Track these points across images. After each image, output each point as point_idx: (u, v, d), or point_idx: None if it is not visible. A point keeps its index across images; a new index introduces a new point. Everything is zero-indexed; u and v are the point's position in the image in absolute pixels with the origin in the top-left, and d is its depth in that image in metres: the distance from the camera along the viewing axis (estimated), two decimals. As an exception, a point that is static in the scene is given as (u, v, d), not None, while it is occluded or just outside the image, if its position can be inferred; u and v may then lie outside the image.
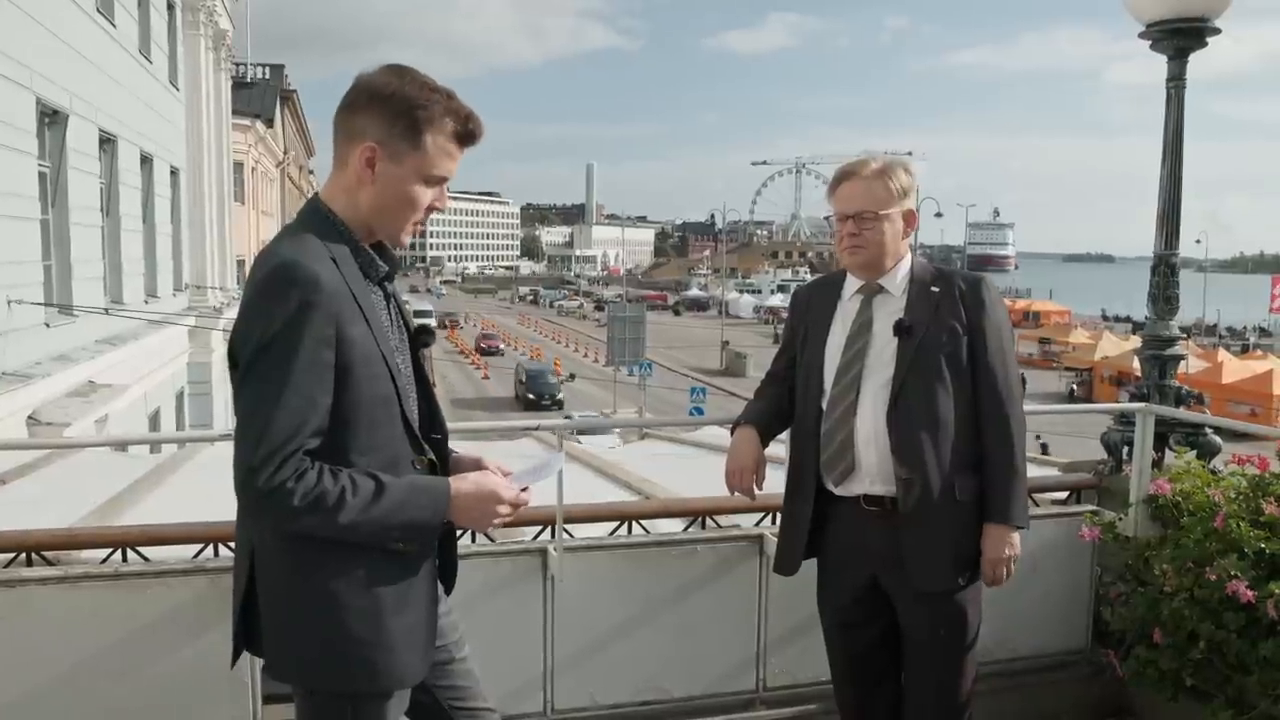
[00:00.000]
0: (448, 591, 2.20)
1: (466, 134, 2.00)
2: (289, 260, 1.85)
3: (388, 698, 2.01)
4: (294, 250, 1.88)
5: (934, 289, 2.72)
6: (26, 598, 2.89)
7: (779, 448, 3.06)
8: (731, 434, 2.92)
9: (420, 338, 2.12)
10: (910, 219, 2.77)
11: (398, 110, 1.92)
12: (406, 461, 1.99)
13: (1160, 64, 4.36)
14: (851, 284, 2.83)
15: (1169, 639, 3.34)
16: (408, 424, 2.00)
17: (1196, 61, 4.32)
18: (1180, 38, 4.22)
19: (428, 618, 2.06)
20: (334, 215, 1.97)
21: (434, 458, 2.07)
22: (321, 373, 1.83)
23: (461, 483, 2.00)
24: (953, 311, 2.68)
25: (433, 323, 59.53)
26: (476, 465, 2.15)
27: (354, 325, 1.88)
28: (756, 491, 2.89)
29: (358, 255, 1.97)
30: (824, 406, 2.75)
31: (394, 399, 1.97)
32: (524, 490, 2.08)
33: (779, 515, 3.48)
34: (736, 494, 2.86)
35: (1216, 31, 4.23)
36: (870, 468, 2.68)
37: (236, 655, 2.09)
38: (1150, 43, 4.31)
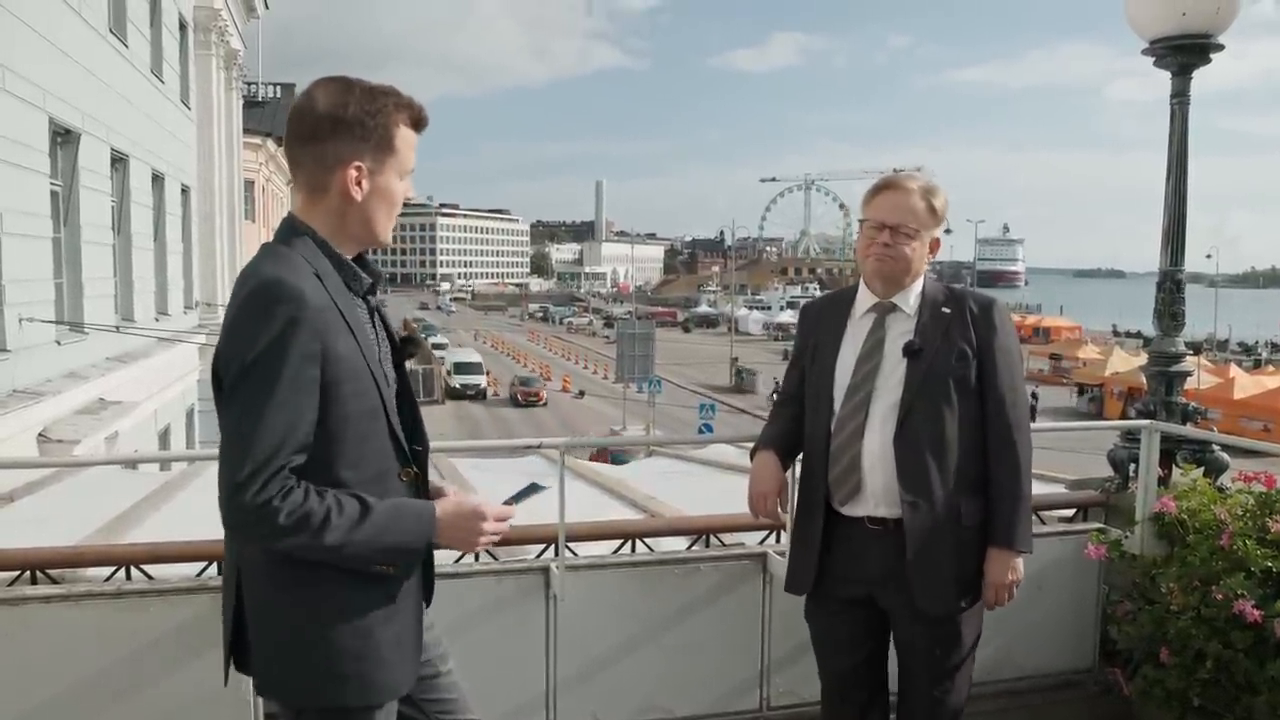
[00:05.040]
0: (426, 604, 2.20)
1: (421, 121, 2.06)
2: (273, 278, 1.86)
3: (378, 709, 2.02)
4: (277, 267, 1.89)
5: (945, 309, 2.71)
6: (30, 616, 2.90)
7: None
8: (751, 458, 2.91)
9: (406, 348, 2.14)
10: (936, 245, 2.77)
11: (366, 128, 1.96)
12: (394, 474, 2.01)
13: (1158, 80, 4.36)
14: (863, 301, 2.80)
15: (1176, 658, 3.31)
16: (394, 437, 2.02)
17: (1199, 77, 4.32)
18: (1183, 54, 4.22)
19: (414, 627, 2.08)
20: (313, 232, 1.99)
21: (418, 470, 2.09)
22: (307, 389, 1.85)
23: (445, 503, 2.02)
24: (963, 334, 2.67)
25: (483, 381, 48.48)
26: (439, 491, 2.16)
27: (341, 341, 1.90)
28: (781, 515, 2.89)
29: (341, 270, 1.99)
30: (833, 426, 2.74)
31: (381, 412, 1.98)
32: (507, 505, 2.10)
33: (783, 534, 3.48)
34: (761, 518, 2.87)
35: (1220, 48, 4.22)
36: (876, 490, 2.67)
37: (227, 674, 2.08)
38: (1154, 59, 4.30)
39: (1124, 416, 5.30)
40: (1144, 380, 4.42)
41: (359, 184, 1.97)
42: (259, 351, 1.81)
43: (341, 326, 1.91)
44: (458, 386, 47.25)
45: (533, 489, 2.23)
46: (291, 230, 2.00)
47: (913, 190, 2.69)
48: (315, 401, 1.86)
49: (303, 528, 1.81)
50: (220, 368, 1.88)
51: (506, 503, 2.11)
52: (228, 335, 1.88)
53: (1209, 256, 69.53)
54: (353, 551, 1.88)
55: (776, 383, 48.59)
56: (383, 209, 2.03)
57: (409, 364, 2.21)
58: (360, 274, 2.03)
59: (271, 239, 2.03)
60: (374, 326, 2.05)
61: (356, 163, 1.96)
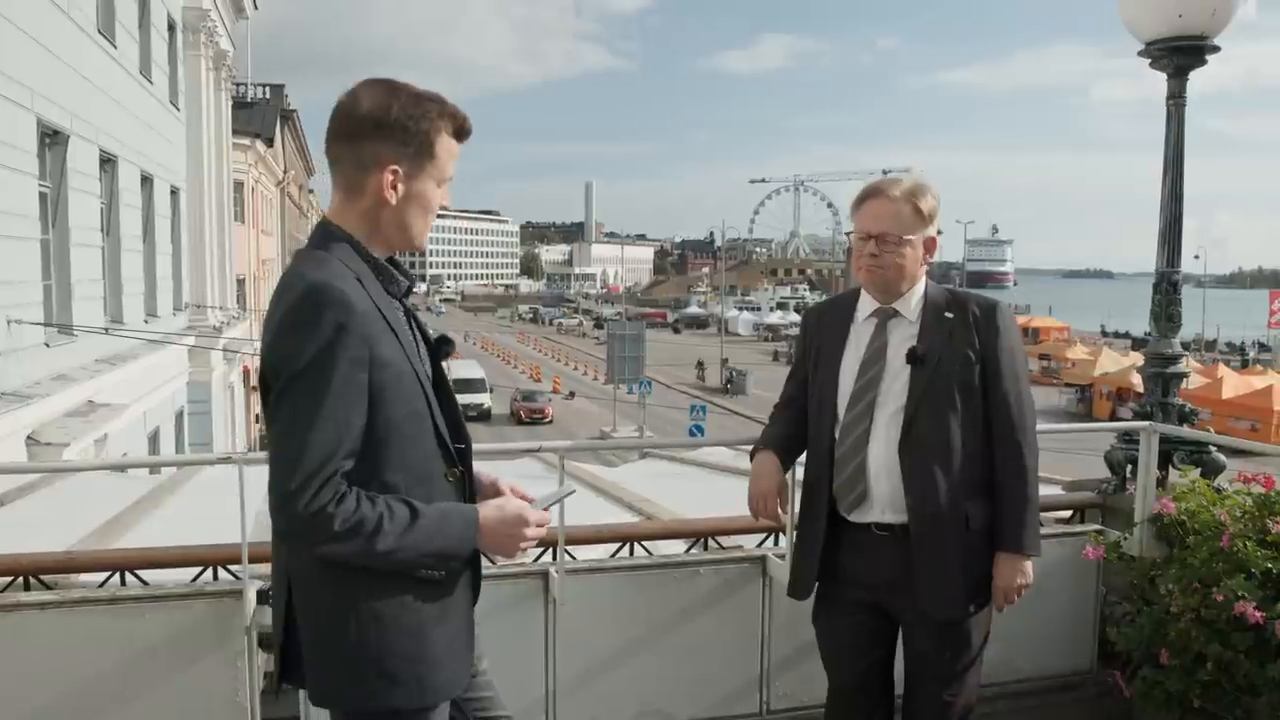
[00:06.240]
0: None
1: (465, 131, 2.05)
2: (319, 283, 1.84)
3: (431, 711, 2.01)
4: (321, 272, 1.88)
5: (948, 314, 2.68)
6: (23, 623, 2.86)
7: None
8: (751, 459, 2.89)
9: (441, 348, 2.12)
10: (931, 245, 2.72)
11: (408, 131, 1.94)
12: (440, 476, 2.01)
13: (1145, 81, 4.38)
14: (865, 306, 2.79)
15: (1176, 660, 3.31)
16: (440, 437, 2.01)
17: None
18: (1180, 55, 4.21)
19: (466, 627, 2.08)
20: (349, 236, 1.98)
21: (463, 469, 2.08)
22: (356, 394, 1.84)
23: (487, 509, 2.01)
24: (966, 338, 2.65)
25: (486, 400, 41.44)
26: (493, 486, 2.16)
27: (385, 344, 1.90)
28: (781, 516, 2.87)
29: (378, 273, 1.99)
30: (837, 434, 2.72)
31: (426, 414, 1.98)
32: (544, 511, 2.10)
33: (782, 537, 3.47)
34: (761, 519, 2.85)
35: (1216, 49, 4.22)
36: (882, 496, 2.66)
37: (280, 684, 2.10)
38: (1150, 61, 4.30)
39: (1114, 416, 5.30)
40: (1132, 381, 4.44)
41: (394, 187, 1.96)
42: (308, 358, 1.80)
43: (385, 330, 1.91)
44: None
45: (567, 492, 2.23)
46: (327, 235, 1.98)
47: (895, 196, 2.66)
48: (364, 407, 1.85)
49: (356, 534, 1.81)
50: (269, 374, 1.87)
51: (544, 508, 2.10)
52: (275, 341, 1.86)
53: (1196, 257, 69.97)
54: (402, 557, 1.87)
55: (733, 372, 50.20)
56: (418, 214, 2.02)
57: None
58: (397, 276, 2.02)
59: (306, 244, 2.01)
60: (410, 328, 2.04)
61: (394, 166, 1.95)
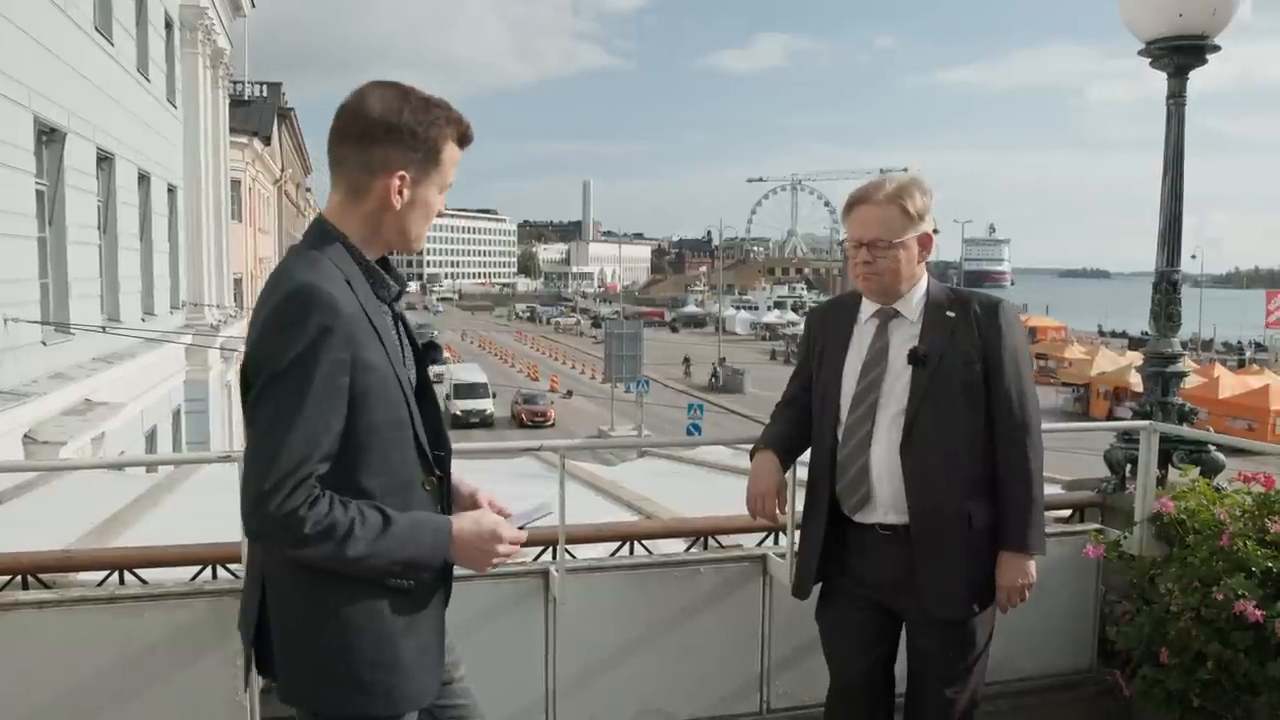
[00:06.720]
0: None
1: (467, 139, 2.06)
2: (307, 284, 1.84)
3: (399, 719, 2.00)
4: (310, 273, 1.87)
5: (950, 313, 2.67)
6: (21, 622, 2.85)
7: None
8: (751, 458, 2.89)
9: (428, 354, 2.13)
10: (926, 242, 2.70)
11: (417, 137, 1.95)
12: (418, 483, 2.00)
13: (1142, 81, 4.37)
14: (867, 307, 2.78)
15: (1176, 658, 3.31)
16: (419, 445, 2.01)
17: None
18: (1180, 55, 4.21)
19: (437, 638, 2.07)
20: (344, 237, 1.97)
21: (441, 475, 2.07)
22: (336, 398, 1.83)
23: (462, 521, 2.01)
24: (968, 337, 2.64)
25: (489, 406, 38.45)
26: (472, 497, 2.17)
27: (369, 349, 1.89)
28: (780, 516, 2.86)
29: (369, 276, 1.98)
30: (840, 435, 2.72)
31: (407, 421, 1.97)
32: (520, 529, 2.10)
33: (782, 536, 3.47)
34: (759, 519, 2.85)
35: (1216, 49, 4.22)
36: (885, 498, 2.65)
37: (248, 680, 2.11)
38: (1150, 60, 4.30)
39: (1112, 416, 5.30)
40: (1129, 380, 4.44)
41: (400, 192, 1.96)
42: (291, 359, 1.80)
43: (370, 334, 1.90)
44: (459, 414, 37.67)
45: (543, 510, 2.22)
46: (323, 234, 1.98)
47: (881, 200, 2.65)
48: (343, 411, 1.85)
49: (327, 538, 1.81)
50: (250, 372, 1.87)
51: (520, 525, 2.10)
52: (259, 340, 1.85)
53: (1193, 257, 70.26)
54: (374, 563, 1.87)
55: (716, 369, 52.02)
56: (419, 219, 2.02)
57: None
58: (388, 281, 2.02)
59: (300, 240, 2.01)
60: (398, 332, 2.04)
61: (401, 171, 1.95)
